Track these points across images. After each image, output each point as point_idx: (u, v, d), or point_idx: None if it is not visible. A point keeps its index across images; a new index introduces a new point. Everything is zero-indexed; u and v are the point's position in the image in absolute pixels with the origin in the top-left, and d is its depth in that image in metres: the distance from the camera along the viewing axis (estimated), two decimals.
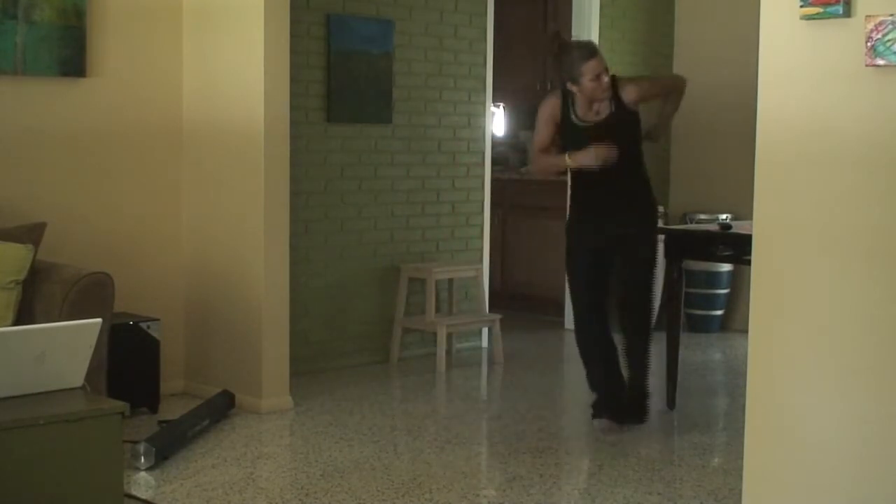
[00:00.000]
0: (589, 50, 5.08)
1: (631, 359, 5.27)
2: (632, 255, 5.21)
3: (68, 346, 3.43)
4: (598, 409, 5.29)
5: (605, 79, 5.01)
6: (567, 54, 5.07)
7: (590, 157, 4.99)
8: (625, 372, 5.31)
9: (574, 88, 5.05)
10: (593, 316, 5.25)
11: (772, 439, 3.72)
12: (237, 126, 5.51)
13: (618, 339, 5.29)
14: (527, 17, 8.63)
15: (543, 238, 8.27)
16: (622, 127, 5.13)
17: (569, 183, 5.47)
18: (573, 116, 5.12)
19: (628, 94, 5.12)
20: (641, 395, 5.32)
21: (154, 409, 5.37)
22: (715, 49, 7.88)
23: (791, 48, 3.60)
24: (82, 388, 3.49)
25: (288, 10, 5.46)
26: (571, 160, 5.04)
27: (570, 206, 5.42)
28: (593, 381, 5.34)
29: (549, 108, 5.16)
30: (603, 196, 5.18)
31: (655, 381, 6.04)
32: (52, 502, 3.24)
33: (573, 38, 5.67)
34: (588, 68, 4.97)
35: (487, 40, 7.14)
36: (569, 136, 5.14)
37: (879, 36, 3.35)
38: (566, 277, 5.45)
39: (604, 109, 5.12)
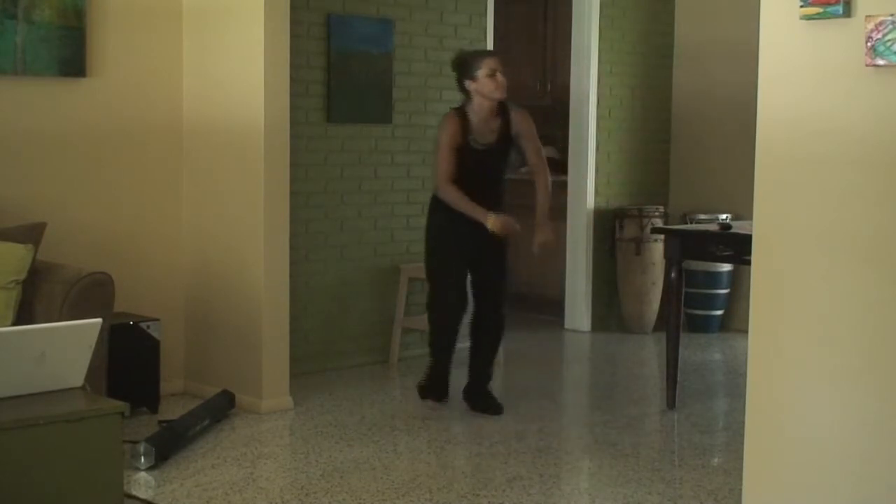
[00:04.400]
0: (489, 50, 5.51)
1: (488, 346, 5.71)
2: (496, 258, 5.63)
3: (68, 346, 3.43)
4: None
5: (501, 78, 5.34)
6: (469, 56, 5.48)
7: (508, 226, 5.39)
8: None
9: (472, 86, 5.36)
10: (460, 302, 5.58)
11: (772, 439, 3.73)
12: (237, 126, 5.51)
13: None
14: (527, 17, 8.63)
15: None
16: (508, 150, 5.53)
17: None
18: (471, 138, 5.40)
19: (517, 117, 5.49)
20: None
21: (154, 409, 5.37)
22: (715, 49, 7.88)
23: (791, 48, 3.60)
24: (82, 388, 3.49)
25: (288, 10, 5.46)
26: (494, 225, 5.34)
27: (442, 210, 5.51)
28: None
29: (453, 136, 5.37)
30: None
31: (656, 380, 6.06)
32: (52, 502, 3.24)
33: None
34: (486, 62, 5.34)
35: (487, 40, 7.14)
36: (469, 159, 5.40)
37: (879, 36, 3.36)
38: (436, 267, 5.56)
39: (496, 128, 5.44)
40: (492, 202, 5.46)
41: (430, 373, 5.70)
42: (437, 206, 5.55)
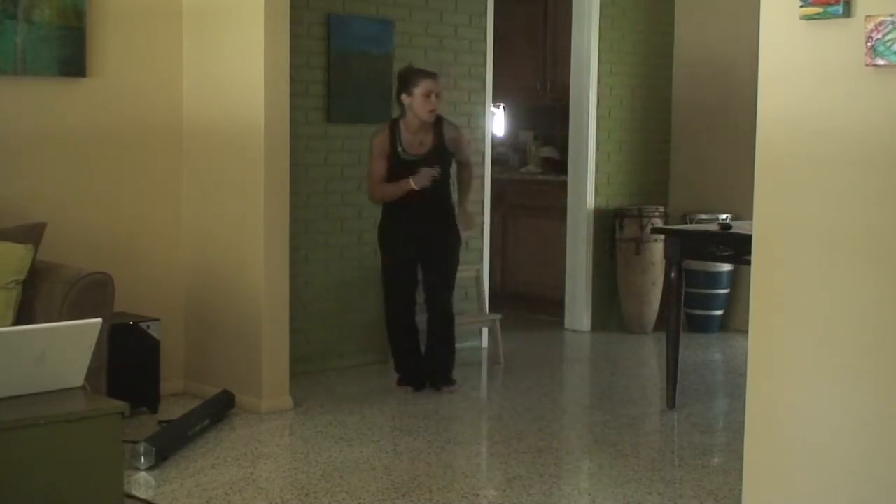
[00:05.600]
0: (430, 71, 5.87)
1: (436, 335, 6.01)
2: (440, 256, 5.94)
3: (68, 346, 3.43)
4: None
5: (434, 101, 5.71)
6: (411, 72, 5.81)
7: (426, 177, 5.68)
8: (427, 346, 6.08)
9: (406, 101, 5.72)
10: (409, 303, 5.98)
11: (772, 439, 3.73)
12: (237, 126, 5.51)
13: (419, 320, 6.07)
14: (527, 17, 8.63)
15: (543, 238, 8.28)
16: (443, 161, 5.83)
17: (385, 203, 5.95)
18: (400, 149, 5.77)
19: (449, 131, 5.86)
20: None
21: (154, 409, 5.37)
22: (715, 49, 7.88)
23: (791, 48, 3.60)
24: (82, 388, 3.49)
25: (288, 10, 5.46)
26: (415, 182, 5.68)
27: (388, 216, 5.93)
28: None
29: (380, 145, 5.78)
30: (422, 212, 5.83)
31: (656, 380, 6.03)
32: (52, 502, 3.24)
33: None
34: (424, 83, 5.70)
35: (487, 40, 7.14)
36: (398, 167, 5.76)
37: (879, 36, 3.36)
38: (385, 270, 5.99)
39: (428, 141, 5.80)
40: (432, 210, 5.83)
41: (398, 367, 6.06)
42: (384, 213, 5.91)
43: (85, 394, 3.49)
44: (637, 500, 4.30)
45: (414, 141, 5.79)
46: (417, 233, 5.83)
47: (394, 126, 5.80)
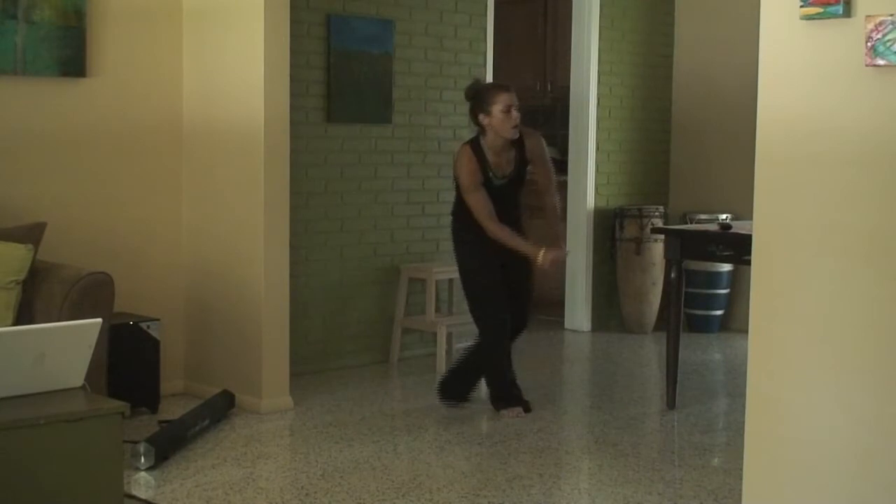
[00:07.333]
0: (505, 85, 5.44)
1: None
2: (521, 275, 5.53)
3: (68, 346, 3.43)
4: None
5: (515, 115, 5.28)
6: (484, 89, 5.43)
7: (557, 262, 5.35)
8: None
9: (485, 121, 5.30)
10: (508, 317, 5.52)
11: (772, 439, 3.73)
12: (237, 126, 5.51)
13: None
14: (527, 17, 8.64)
15: (543, 238, 8.25)
16: (524, 175, 5.48)
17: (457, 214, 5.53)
18: (491, 174, 5.35)
19: (530, 140, 5.42)
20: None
21: (154, 409, 5.37)
22: (715, 49, 7.88)
23: (791, 48, 3.60)
24: (82, 388, 3.49)
25: (288, 10, 5.47)
26: (543, 259, 5.27)
27: (474, 236, 5.39)
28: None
29: (473, 176, 5.29)
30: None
31: (656, 380, 6.02)
32: (52, 502, 3.24)
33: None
34: (501, 98, 5.28)
35: (487, 40, 7.15)
36: (491, 195, 5.33)
37: (879, 36, 3.36)
38: (479, 293, 5.48)
39: (512, 158, 5.40)
40: (513, 228, 5.42)
41: (496, 386, 5.64)
42: (464, 231, 5.44)
43: (85, 394, 3.49)
44: (637, 500, 4.30)
45: (501, 161, 5.36)
46: (498, 255, 5.38)
47: (477, 150, 5.32)
